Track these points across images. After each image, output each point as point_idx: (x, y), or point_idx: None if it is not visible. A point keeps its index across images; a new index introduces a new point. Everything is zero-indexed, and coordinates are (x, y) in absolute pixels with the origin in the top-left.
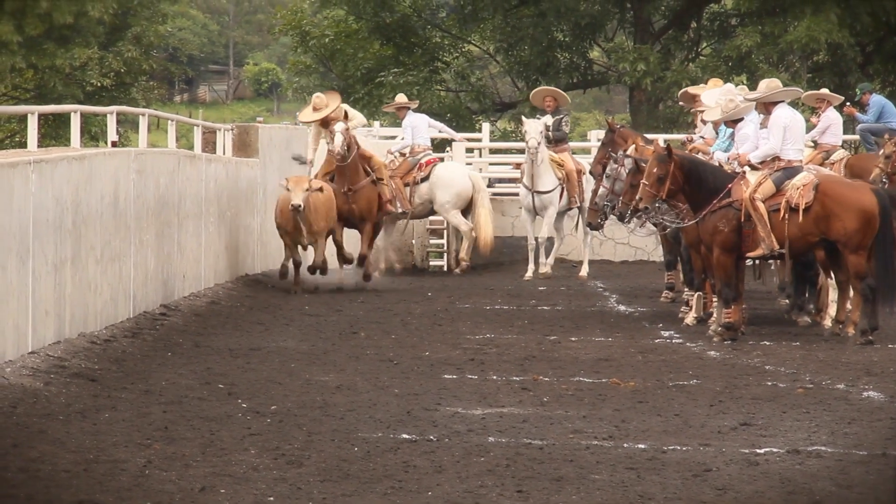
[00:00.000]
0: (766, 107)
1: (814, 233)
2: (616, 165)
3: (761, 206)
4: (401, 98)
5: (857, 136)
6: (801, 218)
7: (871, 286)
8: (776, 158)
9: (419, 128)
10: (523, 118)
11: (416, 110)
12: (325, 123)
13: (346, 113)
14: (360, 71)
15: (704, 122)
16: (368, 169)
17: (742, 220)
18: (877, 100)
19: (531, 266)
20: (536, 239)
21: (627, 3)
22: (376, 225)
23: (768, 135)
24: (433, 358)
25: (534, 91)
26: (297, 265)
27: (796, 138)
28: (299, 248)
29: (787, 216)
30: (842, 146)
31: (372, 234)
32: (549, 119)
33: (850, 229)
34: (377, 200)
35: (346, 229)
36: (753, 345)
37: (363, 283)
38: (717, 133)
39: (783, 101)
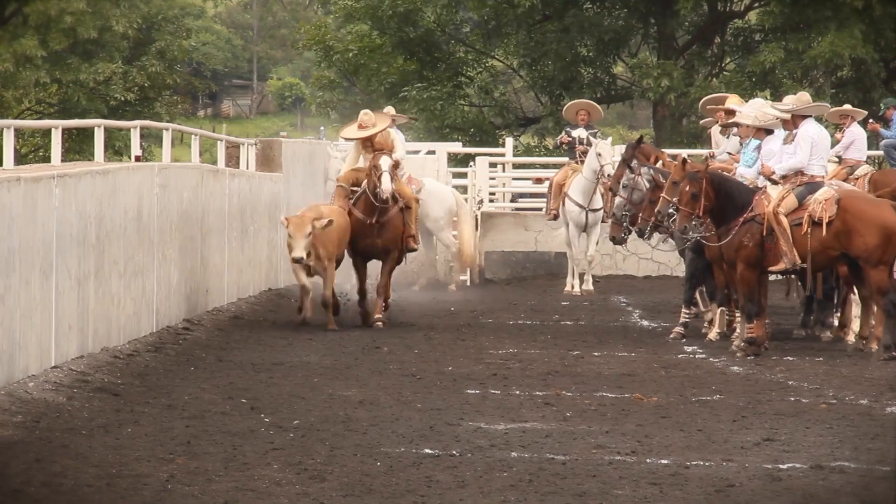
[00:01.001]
0: (793, 121)
1: (835, 247)
2: (633, 175)
3: (784, 221)
4: (390, 110)
5: (880, 152)
6: (823, 232)
7: (893, 301)
8: (799, 173)
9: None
10: (595, 139)
11: (440, 126)
12: (367, 142)
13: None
14: (384, 86)
15: (728, 136)
16: (397, 195)
17: (764, 234)
18: None
19: (572, 280)
20: (585, 254)
21: (651, 18)
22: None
23: (795, 149)
24: (456, 373)
25: (568, 104)
26: (305, 292)
27: (822, 154)
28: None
29: (809, 230)
30: (866, 162)
31: (394, 267)
32: (583, 132)
33: (870, 245)
34: (403, 231)
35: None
36: (777, 360)
37: (374, 319)
38: (741, 146)
39: (811, 116)
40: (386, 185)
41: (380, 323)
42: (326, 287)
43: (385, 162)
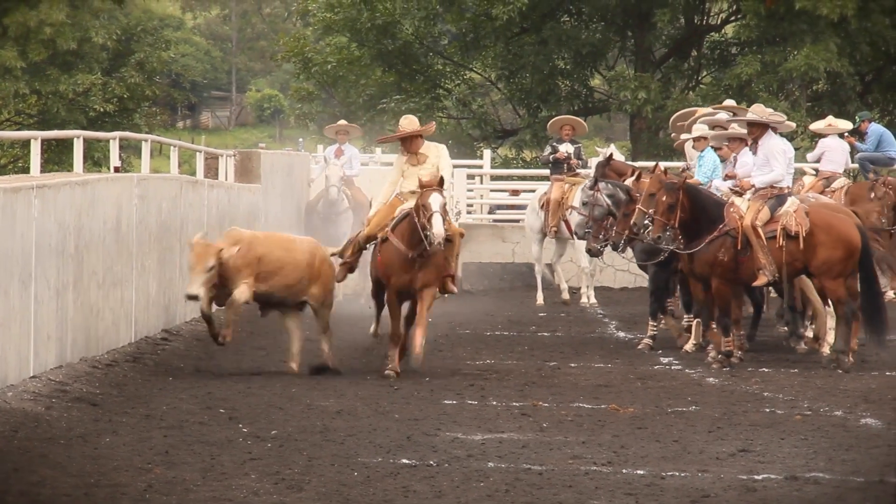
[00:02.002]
0: (752, 132)
1: (800, 259)
2: (593, 192)
3: (762, 234)
4: (343, 123)
5: (856, 165)
6: (797, 245)
7: (853, 309)
8: (771, 185)
9: (356, 158)
10: (607, 148)
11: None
12: (408, 145)
13: (441, 178)
14: (363, 98)
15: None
16: None
17: (739, 248)
18: (875, 129)
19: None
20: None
21: (628, 31)
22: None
23: (771, 162)
24: (433, 383)
25: (553, 119)
26: (208, 322)
27: (790, 166)
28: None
29: (783, 243)
30: (843, 174)
31: (430, 307)
32: (569, 147)
33: (834, 258)
34: (443, 267)
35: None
36: (752, 371)
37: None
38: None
39: (772, 130)
40: (439, 230)
41: (393, 373)
42: (323, 339)
43: (436, 201)
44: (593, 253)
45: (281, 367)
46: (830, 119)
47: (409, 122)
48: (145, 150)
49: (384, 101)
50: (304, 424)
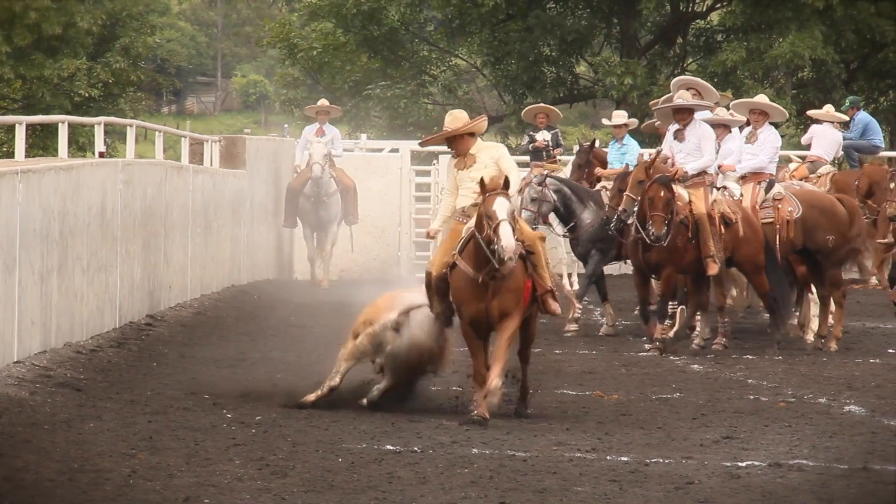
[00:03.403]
0: (757, 119)
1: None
2: (540, 188)
3: (715, 221)
4: (323, 102)
5: (841, 153)
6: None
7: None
8: (760, 171)
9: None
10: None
11: (403, 124)
12: (457, 145)
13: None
14: (348, 84)
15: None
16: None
17: (689, 236)
18: (862, 117)
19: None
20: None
21: (614, 18)
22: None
23: (702, 148)
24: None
25: (526, 108)
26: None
27: (775, 155)
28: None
29: (779, 227)
30: (831, 163)
31: (511, 340)
32: (546, 134)
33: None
34: (525, 289)
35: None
36: (736, 359)
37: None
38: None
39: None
40: (508, 242)
41: (480, 417)
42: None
43: (502, 207)
44: None
45: (266, 354)
46: (829, 107)
47: (453, 119)
48: (130, 135)
49: (370, 87)
50: (288, 410)
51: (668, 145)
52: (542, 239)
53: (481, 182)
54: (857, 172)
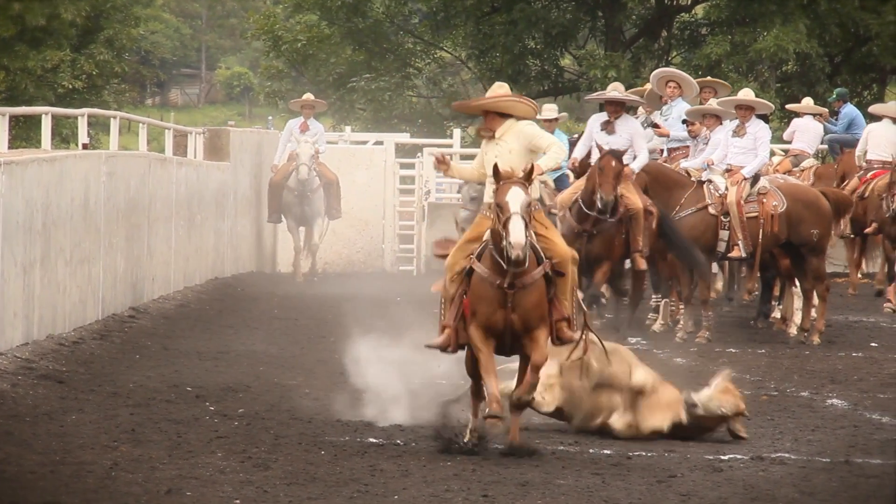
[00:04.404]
0: (744, 114)
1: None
2: (480, 186)
3: (650, 215)
4: (309, 97)
5: (825, 146)
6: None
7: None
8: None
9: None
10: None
11: (388, 117)
12: (488, 122)
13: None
14: (333, 76)
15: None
16: (538, 248)
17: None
18: (848, 111)
19: None
20: None
21: (598, 11)
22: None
23: (756, 147)
24: (401, 363)
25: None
26: None
27: (766, 147)
28: None
29: (764, 221)
30: (813, 156)
31: (542, 361)
32: None
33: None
34: (547, 303)
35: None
36: (719, 352)
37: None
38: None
39: (757, 116)
40: (517, 237)
41: (509, 442)
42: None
43: (516, 198)
44: None
45: (249, 347)
46: (808, 100)
47: (492, 90)
48: (114, 127)
49: (354, 80)
50: (271, 403)
51: (593, 137)
52: (575, 260)
53: (495, 168)
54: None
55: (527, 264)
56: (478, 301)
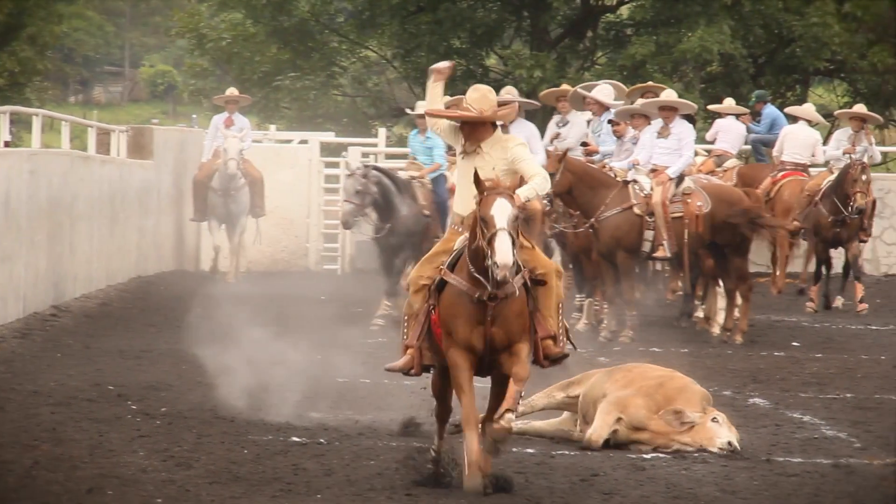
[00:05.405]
0: (667, 115)
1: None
2: (365, 180)
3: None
4: (233, 91)
5: (748, 147)
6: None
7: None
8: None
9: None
10: None
11: (313, 116)
12: (466, 128)
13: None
14: (257, 74)
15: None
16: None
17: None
18: (770, 111)
19: None
20: None
21: (524, 11)
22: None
23: (681, 147)
24: (325, 362)
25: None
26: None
27: (690, 148)
28: None
29: (688, 221)
30: (736, 156)
31: (524, 379)
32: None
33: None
34: (528, 315)
35: None
36: (643, 351)
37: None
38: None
39: (682, 114)
40: (504, 257)
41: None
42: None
43: (502, 211)
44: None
45: (171, 346)
46: (730, 101)
47: (480, 98)
48: (36, 124)
49: (279, 79)
50: (193, 402)
51: (650, 140)
52: (559, 274)
53: (476, 178)
54: (764, 166)
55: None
56: (453, 318)
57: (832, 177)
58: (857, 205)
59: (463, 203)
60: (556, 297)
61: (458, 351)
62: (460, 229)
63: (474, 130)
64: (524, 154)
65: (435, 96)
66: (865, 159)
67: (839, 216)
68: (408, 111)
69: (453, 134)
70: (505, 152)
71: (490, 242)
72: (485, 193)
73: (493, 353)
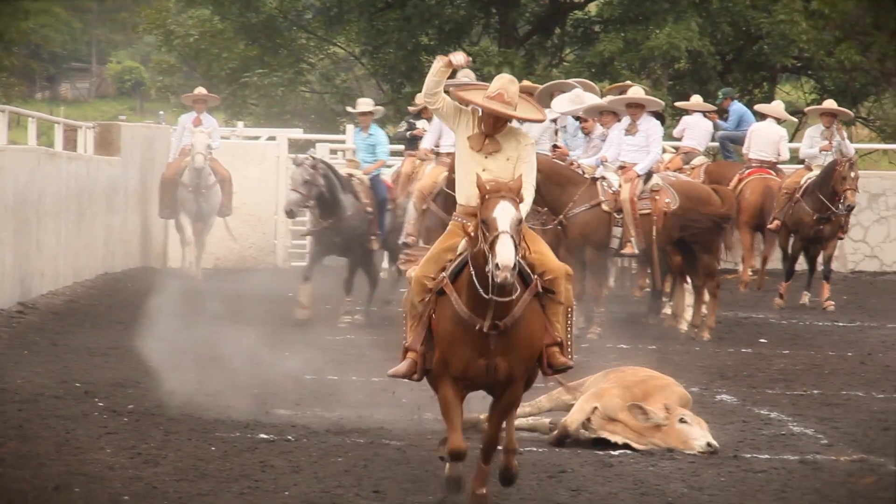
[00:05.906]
0: (634, 112)
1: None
2: (313, 171)
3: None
4: (201, 90)
5: (716, 144)
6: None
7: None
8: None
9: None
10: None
11: (280, 112)
12: (485, 119)
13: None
14: (225, 71)
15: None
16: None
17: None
18: (737, 108)
19: None
20: None
21: (493, 8)
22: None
23: (647, 143)
24: (293, 358)
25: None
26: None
27: (657, 145)
28: None
29: (656, 218)
30: (703, 153)
31: (516, 406)
32: (426, 124)
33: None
34: (539, 338)
35: None
36: (610, 347)
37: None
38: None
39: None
40: (506, 258)
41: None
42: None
43: (505, 214)
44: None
45: (139, 343)
46: (697, 98)
47: (502, 85)
48: (2, 121)
49: (247, 75)
50: (160, 399)
51: (440, 126)
52: (569, 277)
53: (478, 180)
54: (733, 164)
55: (514, 294)
56: (450, 345)
57: (812, 174)
58: (848, 202)
59: (465, 191)
60: (566, 301)
61: (450, 383)
62: (465, 220)
63: (498, 120)
64: (529, 157)
65: (438, 83)
66: (839, 155)
67: (824, 213)
68: (349, 109)
69: (455, 116)
70: (518, 147)
71: (492, 245)
72: (487, 196)
73: (492, 383)
